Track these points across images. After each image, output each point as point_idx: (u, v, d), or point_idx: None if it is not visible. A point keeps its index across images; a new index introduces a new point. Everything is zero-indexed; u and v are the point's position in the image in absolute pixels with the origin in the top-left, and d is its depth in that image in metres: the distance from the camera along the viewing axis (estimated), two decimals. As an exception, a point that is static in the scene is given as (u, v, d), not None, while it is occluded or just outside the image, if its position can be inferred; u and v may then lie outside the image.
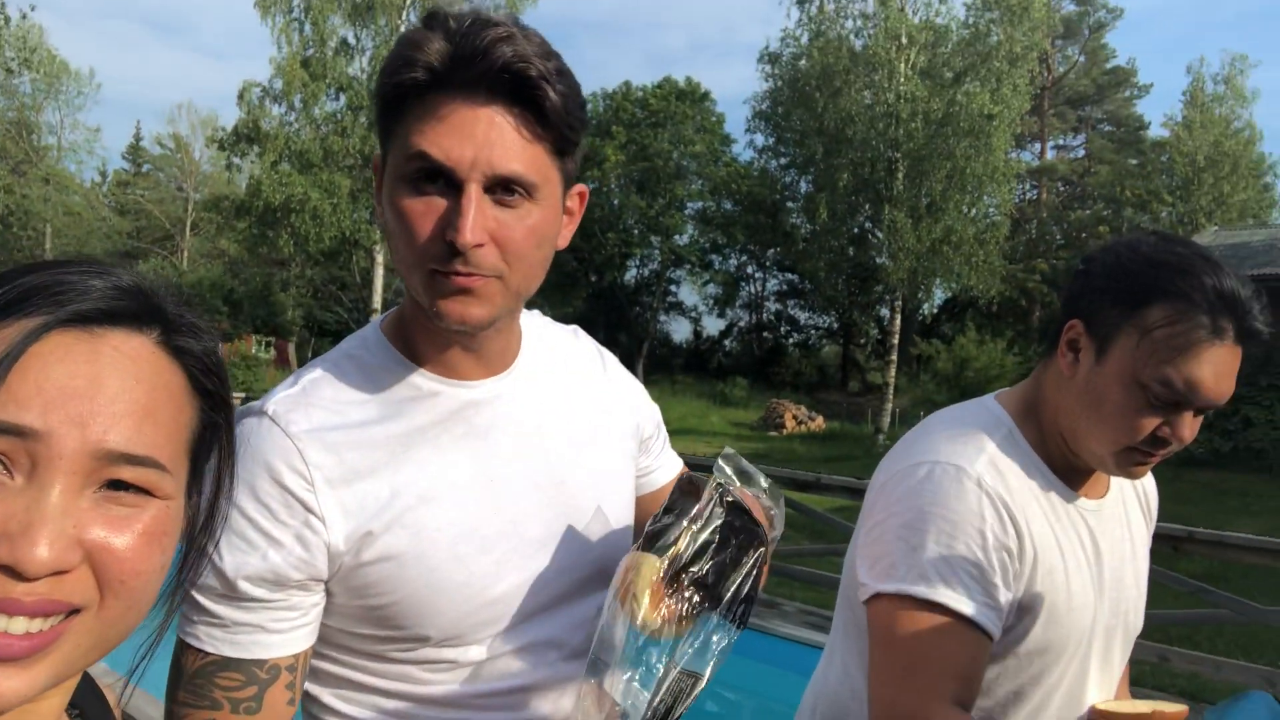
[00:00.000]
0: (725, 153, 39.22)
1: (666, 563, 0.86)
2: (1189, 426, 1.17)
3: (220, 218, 34.60)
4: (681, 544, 0.87)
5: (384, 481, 0.91)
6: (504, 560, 0.94)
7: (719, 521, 0.89)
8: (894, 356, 24.23)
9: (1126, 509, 1.38)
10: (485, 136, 0.85)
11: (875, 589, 1.19)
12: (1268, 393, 16.63)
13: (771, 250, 39.89)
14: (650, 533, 0.89)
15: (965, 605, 1.14)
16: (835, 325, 42.52)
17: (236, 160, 30.50)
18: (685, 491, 0.92)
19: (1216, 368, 1.14)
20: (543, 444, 1.02)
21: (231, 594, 0.86)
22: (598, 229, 37.44)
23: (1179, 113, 32.54)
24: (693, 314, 60.12)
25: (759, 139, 35.78)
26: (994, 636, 1.17)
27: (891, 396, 24.18)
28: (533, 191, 0.89)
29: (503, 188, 0.87)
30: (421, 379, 0.97)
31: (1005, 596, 1.17)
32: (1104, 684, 1.33)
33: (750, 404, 30.77)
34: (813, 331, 44.65)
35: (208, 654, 0.87)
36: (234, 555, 0.86)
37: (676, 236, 39.11)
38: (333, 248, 27.39)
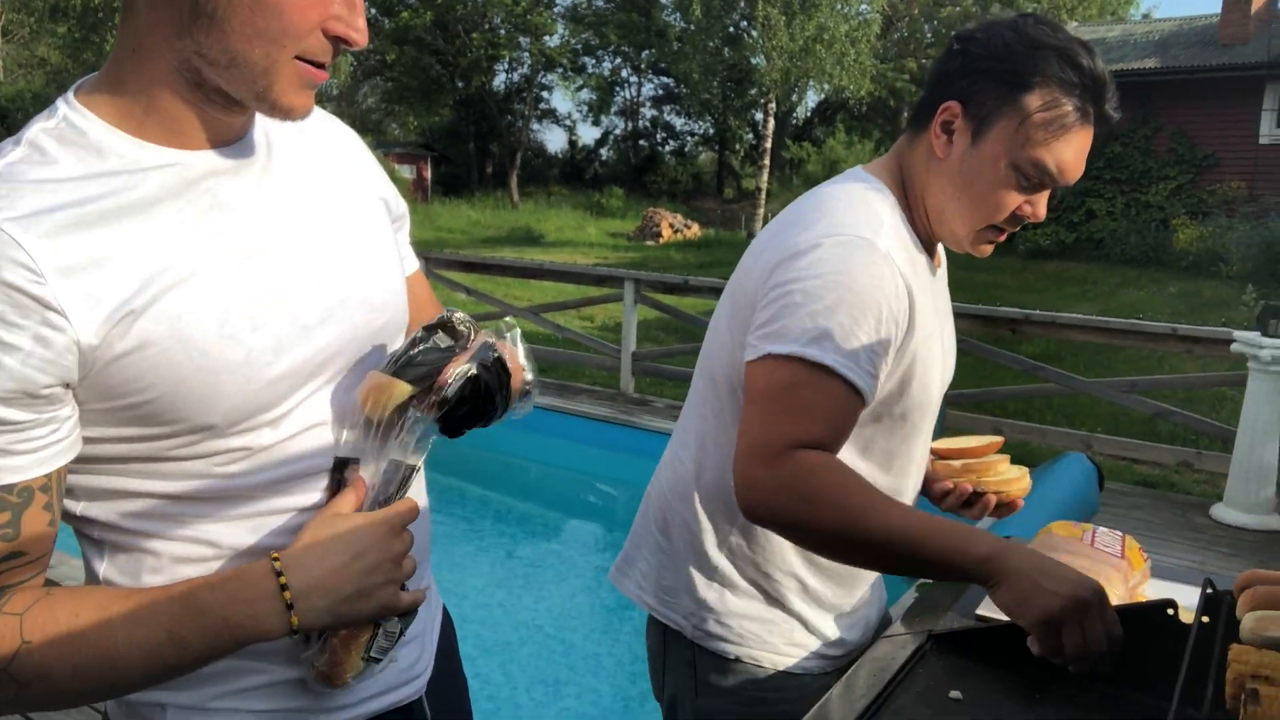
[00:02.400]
0: (596, -59, 36.92)
1: (415, 391, 0.91)
2: (1044, 204, 1.25)
3: (34, 20, 30.88)
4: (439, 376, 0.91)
5: (126, 264, 0.81)
6: (281, 337, 0.88)
7: (473, 370, 0.92)
8: (767, 161, 24.27)
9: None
10: None
11: (765, 350, 1.20)
12: (1110, 185, 17.58)
13: (646, 52, 38.59)
14: (405, 358, 0.92)
15: (851, 372, 1.17)
16: (711, 131, 42.14)
17: (43, -49, 26.90)
18: (442, 327, 0.95)
19: (1079, 150, 1.21)
20: (300, 217, 0.94)
21: None
22: (461, 28, 35.18)
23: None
24: (567, 122, 58.58)
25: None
26: (868, 403, 1.23)
27: (764, 201, 24.40)
28: None
29: None
30: (146, 150, 0.85)
31: (885, 367, 1.23)
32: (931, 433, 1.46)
33: (627, 214, 30.62)
34: (689, 138, 44.17)
35: None
36: None
37: (546, 38, 37.22)
38: (168, 52, 24.93)
